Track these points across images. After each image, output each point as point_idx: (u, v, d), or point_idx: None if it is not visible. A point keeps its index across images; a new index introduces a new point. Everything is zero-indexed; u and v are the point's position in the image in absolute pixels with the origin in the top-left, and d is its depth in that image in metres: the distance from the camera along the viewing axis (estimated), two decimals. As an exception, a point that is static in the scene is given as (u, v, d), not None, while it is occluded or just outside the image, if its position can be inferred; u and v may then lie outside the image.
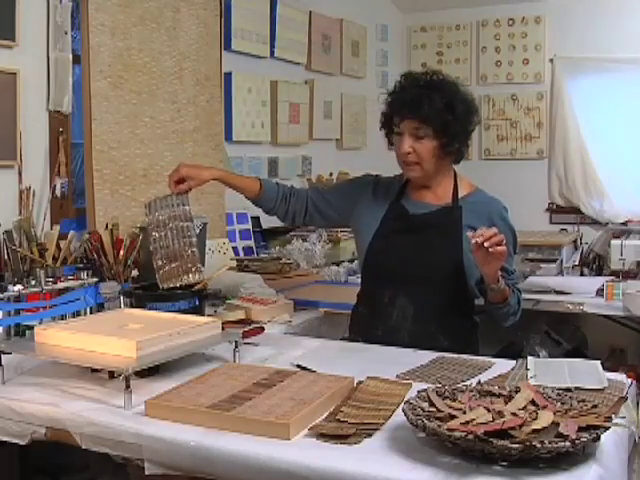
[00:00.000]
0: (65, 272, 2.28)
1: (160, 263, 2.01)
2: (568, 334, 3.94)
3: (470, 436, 1.19)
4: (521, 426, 1.22)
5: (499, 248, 1.80)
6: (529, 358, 1.85)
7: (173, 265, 2.01)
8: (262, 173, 3.79)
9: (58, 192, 2.71)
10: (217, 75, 3.34)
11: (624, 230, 3.99)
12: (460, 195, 2.12)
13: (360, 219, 2.20)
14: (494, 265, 1.87)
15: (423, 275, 2.05)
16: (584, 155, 4.67)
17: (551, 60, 4.80)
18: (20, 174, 2.54)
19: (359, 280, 2.28)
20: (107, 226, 2.62)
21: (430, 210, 2.11)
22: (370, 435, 1.35)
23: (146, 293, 2.06)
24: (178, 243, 2.02)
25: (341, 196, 2.27)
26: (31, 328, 1.91)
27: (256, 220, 3.65)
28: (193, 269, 2.00)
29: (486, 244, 1.78)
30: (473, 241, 1.79)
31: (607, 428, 1.26)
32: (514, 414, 1.28)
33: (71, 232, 2.49)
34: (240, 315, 2.31)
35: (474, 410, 1.31)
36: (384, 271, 2.11)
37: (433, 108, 1.98)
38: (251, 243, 3.54)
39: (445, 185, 2.13)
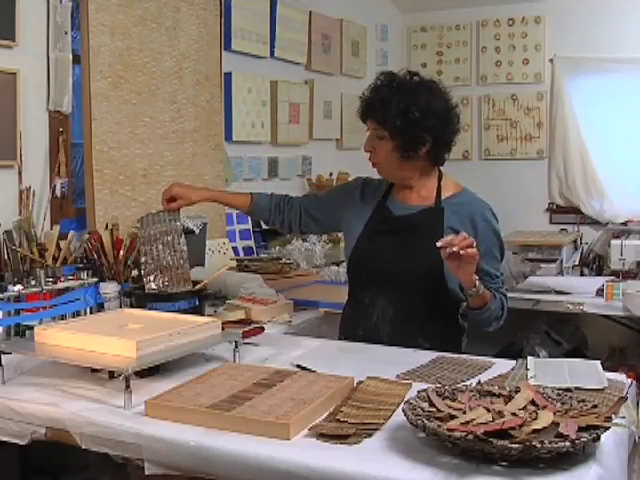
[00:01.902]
0: (65, 272, 2.28)
1: (150, 276, 2.06)
2: (568, 334, 3.94)
3: (470, 436, 1.19)
4: (521, 426, 1.22)
5: (470, 250, 1.79)
6: (529, 358, 1.85)
7: (163, 276, 2.05)
8: (262, 173, 3.79)
9: (58, 192, 2.71)
10: (217, 75, 3.34)
11: (624, 230, 4.00)
12: (444, 196, 2.11)
13: (348, 222, 2.22)
14: (468, 269, 1.85)
15: (403, 277, 2.04)
16: (584, 155, 4.66)
17: (551, 60, 4.80)
18: (20, 174, 2.54)
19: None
20: (107, 226, 2.62)
21: (412, 211, 2.11)
22: (370, 435, 1.35)
23: (146, 293, 2.06)
24: (170, 256, 2.09)
25: (331, 202, 2.31)
26: (31, 328, 1.91)
27: (256, 220, 3.65)
28: (182, 282, 2.06)
29: (455, 249, 1.76)
30: (439, 245, 1.77)
31: (607, 428, 1.26)
32: (514, 414, 1.28)
33: (71, 232, 2.49)
34: (240, 315, 2.31)
35: (474, 410, 1.31)
36: (365, 272, 2.13)
37: (387, 111, 2.01)
38: (251, 243, 3.55)
39: (429, 186, 2.13)
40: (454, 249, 1.76)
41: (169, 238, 2.10)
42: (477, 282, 1.91)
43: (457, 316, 2.13)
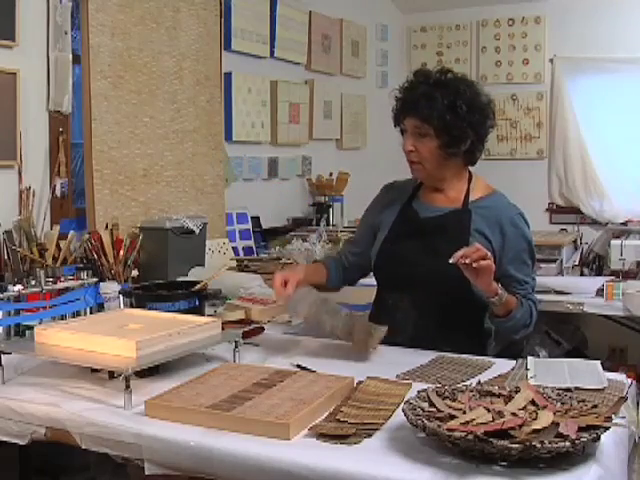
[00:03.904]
0: (65, 272, 2.29)
1: (347, 338, 1.94)
2: (568, 334, 3.94)
3: (470, 436, 1.19)
4: (521, 426, 1.22)
5: (483, 263, 1.76)
6: (529, 358, 1.85)
7: (353, 338, 1.92)
8: (262, 173, 3.80)
9: (58, 192, 2.71)
10: (217, 75, 3.34)
11: (624, 230, 3.98)
12: (473, 198, 2.06)
13: (378, 229, 2.17)
14: (484, 279, 1.82)
15: (426, 279, 2.00)
16: (584, 155, 4.67)
17: (551, 60, 4.81)
18: (20, 174, 2.54)
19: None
20: (107, 226, 2.63)
21: (439, 213, 2.07)
22: (370, 435, 1.35)
23: (146, 293, 2.06)
24: (341, 320, 1.95)
25: (366, 236, 2.22)
26: (31, 328, 1.91)
27: (256, 220, 3.65)
28: (371, 330, 1.90)
29: (467, 261, 1.74)
30: (451, 262, 1.75)
31: (607, 428, 1.26)
32: (514, 414, 1.28)
33: (71, 232, 2.49)
34: (240, 315, 2.31)
35: (474, 410, 1.31)
36: (389, 274, 2.10)
37: (433, 107, 1.95)
38: (251, 243, 3.55)
39: (458, 188, 2.08)
40: (466, 261, 1.74)
41: (324, 307, 1.97)
42: (499, 291, 1.88)
43: (482, 320, 2.07)
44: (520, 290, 2.00)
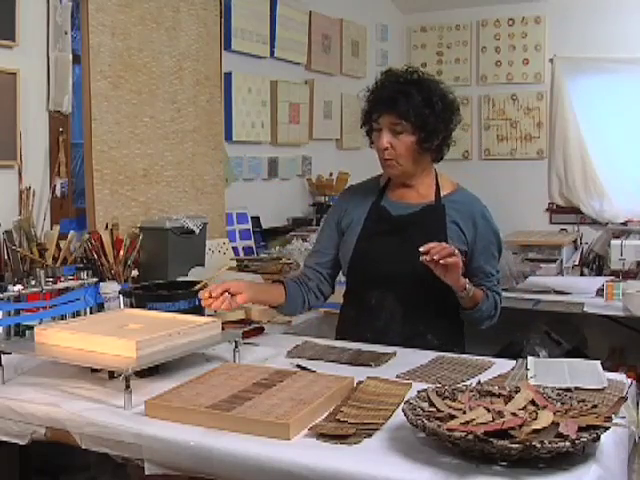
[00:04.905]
0: (65, 272, 2.29)
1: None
2: (568, 334, 3.94)
3: (470, 436, 1.19)
4: (521, 426, 1.22)
5: (450, 260, 1.81)
6: (529, 358, 1.85)
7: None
8: (262, 173, 3.79)
9: (58, 192, 2.71)
10: (217, 75, 3.34)
11: (624, 230, 3.99)
12: (442, 193, 2.11)
13: (346, 229, 2.17)
14: (453, 276, 1.88)
15: (410, 276, 2.02)
16: (584, 155, 4.66)
17: (551, 60, 4.80)
18: (20, 174, 2.54)
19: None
20: (107, 226, 2.63)
21: (412, 210, 2.10)
22: (370, 435, 1.35)
23: (146, 293, 2.06)
24: (347, 352, 1.94)
25: (330, 241, 2.21)
26: (31, 328, 1.91)
27: (256, 220, 3.65)
28: (380, 356, 1.91)
29: (436, 257, 1.79)
30: (423, 258, 1.80)
31: (607, 428, 1.26)
32: (514, 414, 1.28)
33: (71, 232, 2.49)
34: (240, 315, 2.31)
35: (474, 410, 1.31)
36: (370, 273, 2.10)
37: (410, 103, 1.99)
38: (251, 243, 3.55)
39: (427, 183, 2.13)
40: (435, 257, 1.79)
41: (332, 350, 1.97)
42: (467, 285, 1.95)
43: (458, 310, 2.11)
44: (487, 282, 2.07)
